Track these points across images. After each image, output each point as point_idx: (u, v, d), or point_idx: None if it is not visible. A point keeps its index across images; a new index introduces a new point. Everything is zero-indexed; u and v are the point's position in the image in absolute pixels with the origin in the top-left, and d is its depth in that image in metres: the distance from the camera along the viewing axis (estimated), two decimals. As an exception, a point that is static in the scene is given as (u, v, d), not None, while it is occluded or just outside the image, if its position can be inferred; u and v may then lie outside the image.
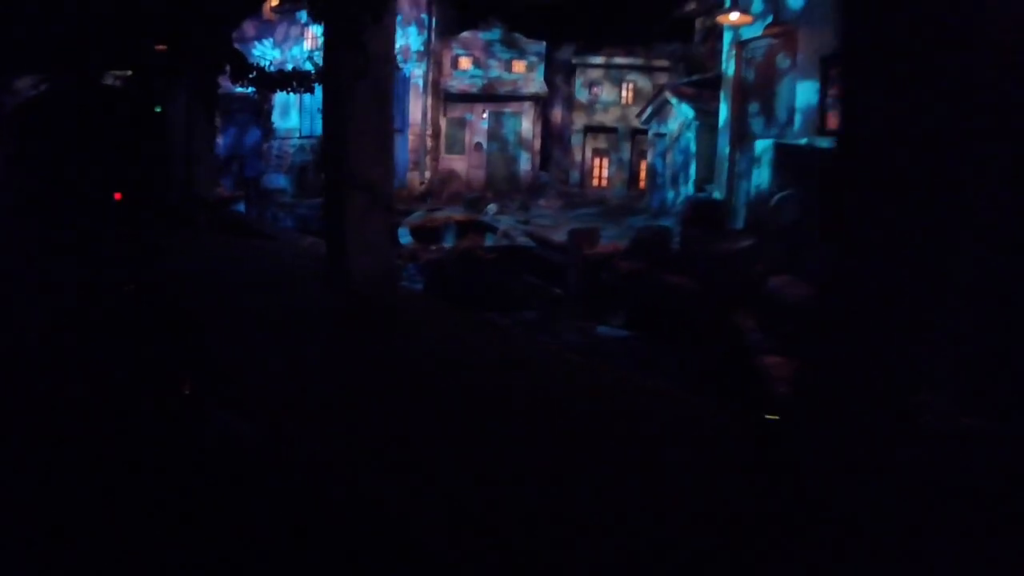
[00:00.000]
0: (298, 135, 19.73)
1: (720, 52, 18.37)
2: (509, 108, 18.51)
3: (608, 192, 19.41)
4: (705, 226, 9.99)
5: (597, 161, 20.09)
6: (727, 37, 12.46)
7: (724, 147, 12.88)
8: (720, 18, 11.26)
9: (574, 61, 19.23)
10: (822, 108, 9.91)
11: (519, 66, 18.83)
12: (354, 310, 5.55)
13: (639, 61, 19.18)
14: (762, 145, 10.02)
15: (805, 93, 10.25)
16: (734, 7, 10.77)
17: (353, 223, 5.73)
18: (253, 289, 6.32)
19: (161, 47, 14.06)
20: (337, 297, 5.81)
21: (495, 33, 18.73)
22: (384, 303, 5.72)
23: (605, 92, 19.48)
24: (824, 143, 8.40)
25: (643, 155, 19.90)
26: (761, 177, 9.74)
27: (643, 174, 20.11)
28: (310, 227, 16.42)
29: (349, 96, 5.55)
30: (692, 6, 17.37)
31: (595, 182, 20.11)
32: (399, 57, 17.97)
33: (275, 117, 19.95)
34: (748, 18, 10.88)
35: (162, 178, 15.85)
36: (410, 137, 18.05)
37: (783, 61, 10.98)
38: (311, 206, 17.47)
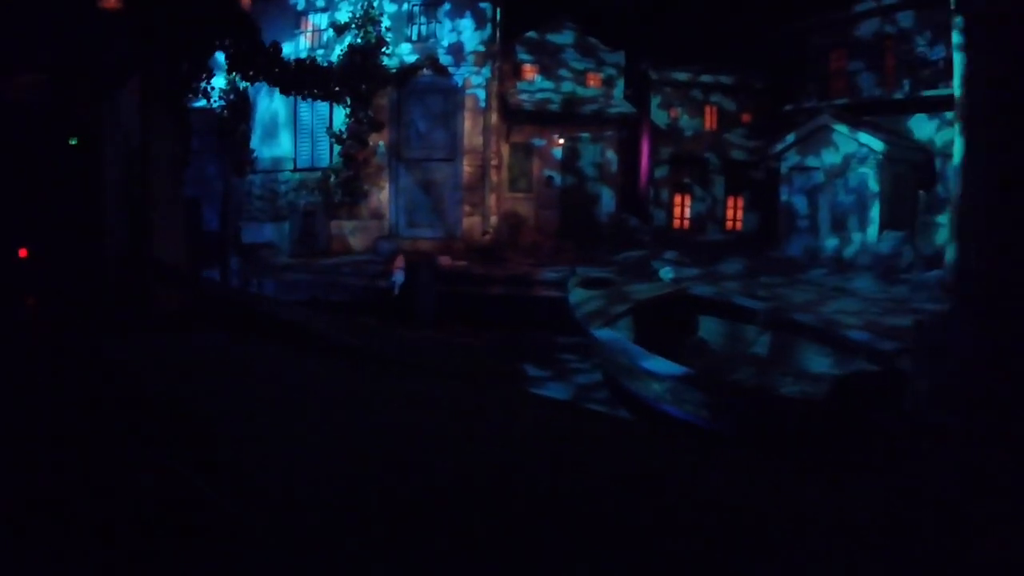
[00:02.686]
0: (292, 167, 14.24)
1: (850, 72, 15.33)
2: (587, 132, 14.19)
3: (695, 236, 15.51)
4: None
5: (678, 198, 16.18)
6: (961, 58, 9.25)
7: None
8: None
9: (653, 76, 15.36)
10: None
11: (594, 79, 14.63)
12: None
13: (730, 80, 15.64)
14: None
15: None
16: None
17: None
18: None
19: (112, 4, 8.45)
20: None
21: (567, 36, 14.47)
22: None
23: (685, 114, 15.76)
24: None
25: (734, 191, 16.29)
26: None
27: (732, 213, 16.47)
28: (354, 302, 11.02)
29: None
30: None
31: (675, 223, 16.17)
32: (448, 59, 13.21)
33: (255, 142, 14.36)
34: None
35: (93, 230, 9.96)
36: (465, 168, 13.18)
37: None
38: (328, 270, 12.02)
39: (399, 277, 11.02)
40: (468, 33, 13.16)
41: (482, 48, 13.11)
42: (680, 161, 15.66)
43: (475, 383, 7.18)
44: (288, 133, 14.24)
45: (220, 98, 14.19)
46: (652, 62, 15.29)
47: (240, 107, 14.48)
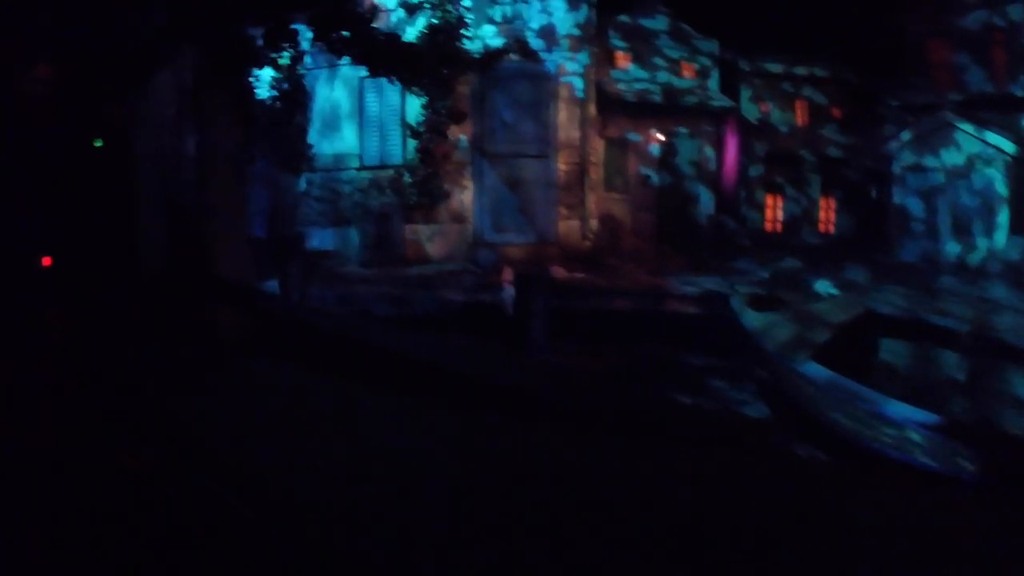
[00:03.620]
0: (358, 165, 12.69)
1: (955, 66, 14.20)
2: (685, 127, 12.89)
3: (791, 240, 14.32)
4: None
5: (770, 200, 14.97)
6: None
7: None
8: None
9: (744, 67, 14.13)
10: None
11: (688, 69, 13.34)
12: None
13: (824, 72, 14.47)
14: None
15: None
16: None
17: None
18: None
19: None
20: None
21: (660, 21, 13.15)
22: None
23: (776, 109, 14.57)
24: None
25: (826, 192, 15.13)
26: None
27: (824, 215, 15.32)
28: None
29: None
30: None
31: (768, 225, 14.96)
32: (538, 43, 11.80)
33: (312, 137, 12.80)
34: None
35: (126, 241, 8.36)
36: (560, 166, 11.79)
37: None
38: (412, 282, 10.52)
39: (509, 292, 9.57)
40: (560, 14, 11.75)
41: (577, 31, 11.72)
42: (774, 159, 14.45)
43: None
44: (352, 126, 12.68)
45: (271, 87, 12.66)
46: (742, 52, 14.05)
47: (294, 97, 12.93)
